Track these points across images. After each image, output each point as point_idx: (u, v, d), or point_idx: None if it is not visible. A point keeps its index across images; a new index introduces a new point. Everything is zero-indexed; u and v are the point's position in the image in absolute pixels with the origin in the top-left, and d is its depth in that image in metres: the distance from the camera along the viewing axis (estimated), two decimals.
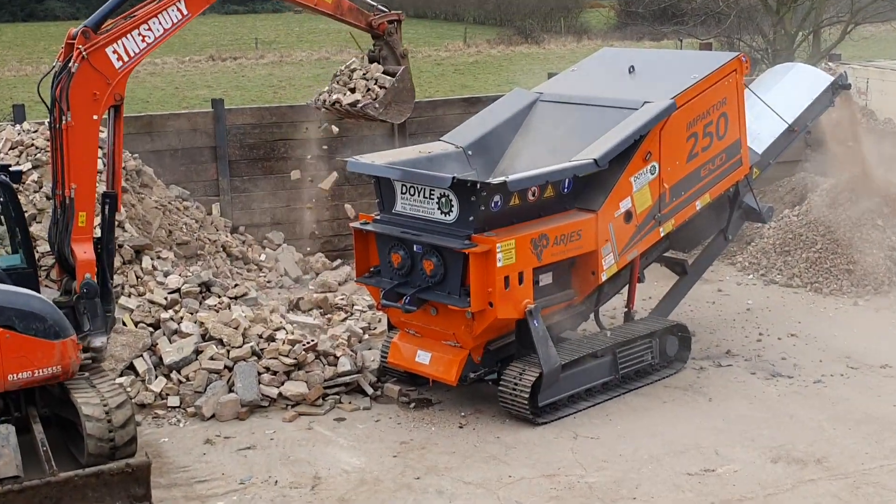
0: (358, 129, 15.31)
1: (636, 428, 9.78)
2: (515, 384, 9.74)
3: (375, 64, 11.03)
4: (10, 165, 9.54)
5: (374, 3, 10.85)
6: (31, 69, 37.53)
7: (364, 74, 10.94)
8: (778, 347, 11.76)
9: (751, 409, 10.15)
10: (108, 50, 8.91)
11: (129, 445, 8.72)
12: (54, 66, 8.98)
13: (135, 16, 9.11)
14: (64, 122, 8.73)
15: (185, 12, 9.29)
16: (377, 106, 10.62)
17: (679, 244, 11.85)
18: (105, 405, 8.61)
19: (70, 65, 8.77)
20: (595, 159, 9.89)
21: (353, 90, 10.89)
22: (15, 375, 8.45)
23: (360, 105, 10.67)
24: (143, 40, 9.06)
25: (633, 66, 11.54)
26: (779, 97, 12.58)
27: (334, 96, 10.92)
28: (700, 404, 10.29)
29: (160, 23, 9.16)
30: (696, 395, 10.49)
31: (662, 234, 10.99)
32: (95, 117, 8.90)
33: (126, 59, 8.98)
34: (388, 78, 10.78)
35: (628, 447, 9.41)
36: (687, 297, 12.23)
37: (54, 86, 8.88)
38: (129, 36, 9.01)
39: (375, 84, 10.78)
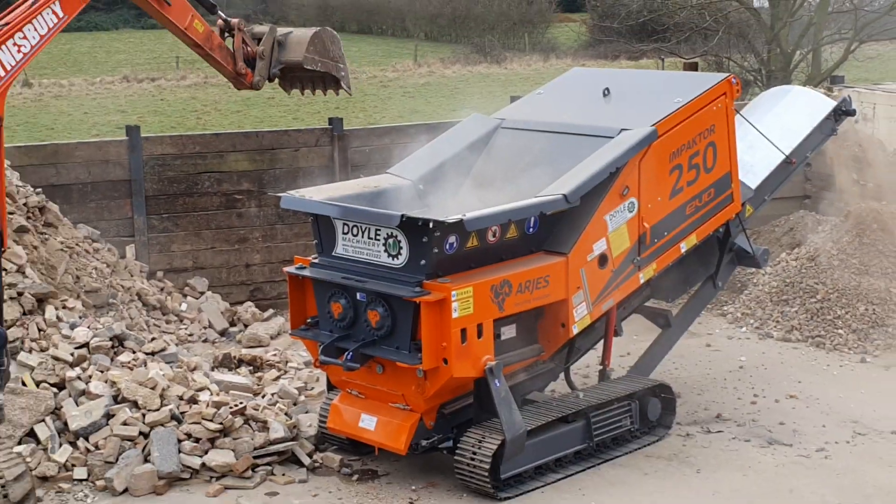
0: (293, 160, 15.41)
1: None
2: (474, 453, 9.77)
3: None
4: None
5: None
6: None
7: None
8: (775, 410, 11.89)
9: (745, 482, 10.24)
10: None
11: None
12: None
13: (7, 23, 9.16)
14: None
15: (62, 14, 9.39)
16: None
17: (662, 292, 11.96)
18: (1, 477, 8.56)
19: None
20: (565, 195, 10.01)
21: None
22: None
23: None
24: (19, 51, 9.12)
25: (607, 89, 11.71)
26: (774, 124, 12.78)
27: None
28: (687, 477, 10.37)
29: (35, 29, 9.21)
30: (681, 466, 10.58)
31: (642, 281, 11.10)
32: None
33: (2, 73, 9.04)
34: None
35: None
36: (671, 353, 12.34)
37: None
38: (3, 48, 9.05)
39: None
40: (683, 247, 11.43)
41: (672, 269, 11.52)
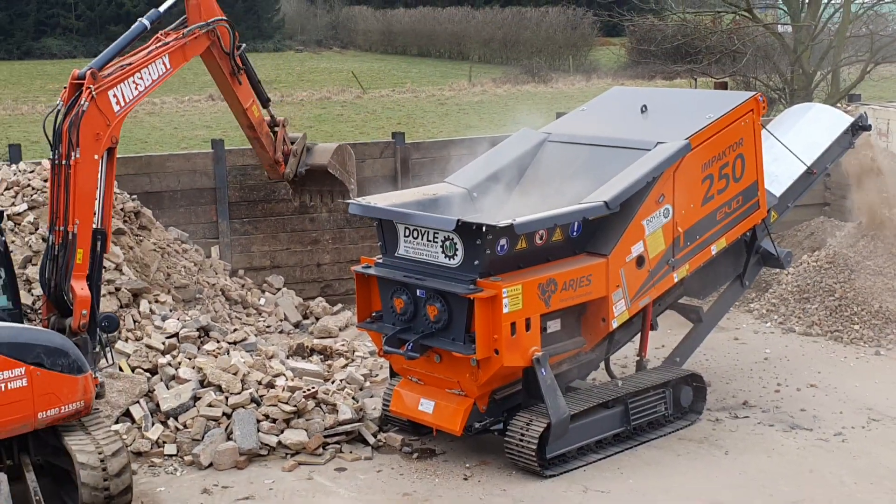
0: (359, 170, 15.46)
1: (649, 482, 9.79)
2: (522, 435, 9.77)
3: None
4: (3, 213, 9.78)
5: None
6: (27, 108, 37.80)
7: None
8: (797, 398, 11.78)
9: (769, 463, 10.16)
10: (110, 93, 9.57)
11: (124, 495, 8.79)
12: (58, 105, 9.46)
13: (130, 63, 9.83)
14: (73, 157, 9.22)
15: (168, 66, 10.25)
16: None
17: (694, 290, 11.86)
18: (100, 453, 8.70)
19: (80, 102, 9.30)
20: (605, 202, 9.98)
21: None
22: (45, 413, 8.69)
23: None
24: (135, 87, 9.83)
25: (645, 106, 11.65)
26: (797, 138, 12.68)
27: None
28: (716, 458, 10.30)
29: (150, 73, 10.00)
30: (711, 448, 10.51)
31: (676, 280, 11.04)
32: (96, 157, 9.40)
33: (123, 103, 9.67)
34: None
35: (640, 503, 9.40)
36: (702, 346, 12.26)
37: (61, 122, 9.35)
38: (126, 82, 9.72)
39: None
40: (714, 249, 11.35)
41: (703, 270, 11.44)
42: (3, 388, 8.41)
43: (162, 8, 10.43)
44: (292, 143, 12.05)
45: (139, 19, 10.22)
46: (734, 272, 12.09)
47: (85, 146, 9.28)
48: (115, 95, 9.59)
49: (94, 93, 9.37)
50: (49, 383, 8.65)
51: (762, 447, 10.52)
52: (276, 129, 11.86)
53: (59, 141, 9.28)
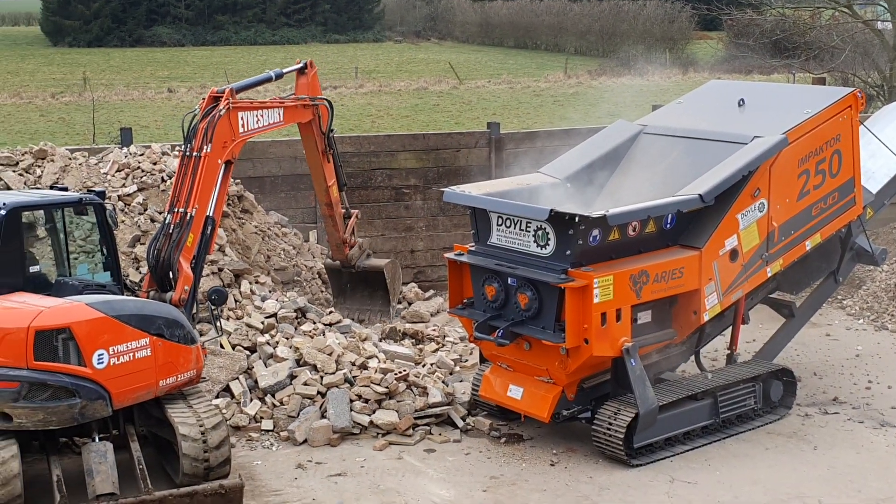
0: (454, 159, 15.51)
1: (736, 475, 9.66)
2: (610, 424, 9.72)
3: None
4: (105, 192, 10.36)
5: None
6: (138, 94, 38.69)
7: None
8: (888, 396, 11.51)
9: (858, 459, 9.96)
10: (240, 113, 10.93)
11: (222, 466, 9.00)
12: (194, 111, 10.93)
13: (257, 101, 11.35)
14: (204, 150, 10.42)
15: (281, 118, 11.70)
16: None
17: (787, 285, 11.69)
18: (201, 426, 8.92)
19: (219, 108, 10.64)
20: (700, 195, 9.86)
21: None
22: (165, 381, 9.10)
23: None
24: (257, 121, 11.26)
25: (742, 100, 11.48)
26: (895, 135, 12.38)
27: None
28: (804, 452, 10.13)
29: (268, 116, 11.41)
30: (800, 443, 10.33)
31: (769, 275, 10.86)
32: (220, 161, 10.54)
33: (245, 128, 11.05)
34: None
35: (727, 495, 9.30)
36: (793, 341, 12.05)
37: (198, 122, 10.61)
38: (252, 112, 11.13)
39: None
40: (808, 244, 11.14)
41: (797, 265, 11.24)
42: (132, 358, 8.79)
43: (285, 70, 12.28)
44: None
45: (267, 71, 12.21)
46: (828, 268, 11.86)
47: (215, 146, 10.46)
48: (242, 117, 10.90)
49: (231, 104, 10.67)
50: (168, 353, 9.06)
51: (851, 443, 10.31)
52: (349, 218, 13.19)
53: (194, 136, 10.49)
